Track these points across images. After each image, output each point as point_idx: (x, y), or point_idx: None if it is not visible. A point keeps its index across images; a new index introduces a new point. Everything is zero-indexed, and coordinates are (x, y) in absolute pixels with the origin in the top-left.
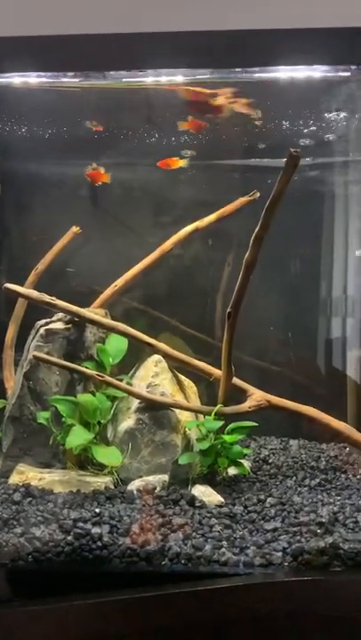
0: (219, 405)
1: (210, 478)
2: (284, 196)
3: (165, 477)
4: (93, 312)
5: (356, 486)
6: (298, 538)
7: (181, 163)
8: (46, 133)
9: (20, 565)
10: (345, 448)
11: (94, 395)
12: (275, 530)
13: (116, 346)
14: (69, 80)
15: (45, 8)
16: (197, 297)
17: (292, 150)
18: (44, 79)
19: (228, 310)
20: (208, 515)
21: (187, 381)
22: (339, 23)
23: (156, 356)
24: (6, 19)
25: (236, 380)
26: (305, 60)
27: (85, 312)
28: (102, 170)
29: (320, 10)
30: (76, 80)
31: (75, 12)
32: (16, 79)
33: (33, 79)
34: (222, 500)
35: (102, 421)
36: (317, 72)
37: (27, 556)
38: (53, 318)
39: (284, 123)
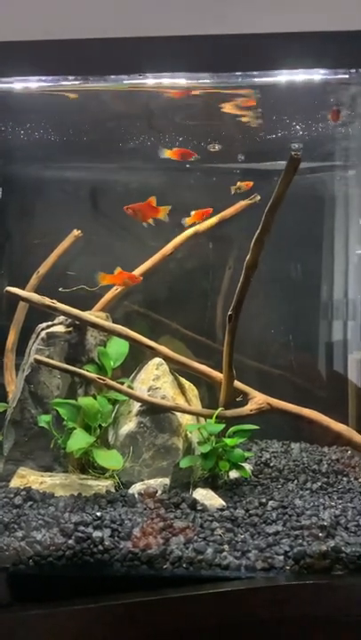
0: (220, 408)
1: (211, 482)
2: (284, 198)
3: (167, 481)
4: (94, 315)
5: (358, 489)
6: (300, 541)
7: None
8: (46, 137)
9: (21, 569)
10: (347, 451)
11: (95, 398)
12: (276, 533)
13: (117, 349)
14: (71, 83)
15: (45, 13)
16: (198, 300)
17: (292, 152)
18: (45, 83)
19: (229, 313)
20: (210, 518)
21: (188, 384)
22: (338, 27)
23: (157, 359)
24: (7, 24)
25: (237, 383)
26: (304, 63)
27: (86, 315)
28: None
29: (319, 13)
30: (77, 83)
31: (74, 16)
32: (17, 84)
33: (33, 83)
34: (224, 503)
35: (103, 425)
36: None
37: (28, 560)
38: (55, 321)
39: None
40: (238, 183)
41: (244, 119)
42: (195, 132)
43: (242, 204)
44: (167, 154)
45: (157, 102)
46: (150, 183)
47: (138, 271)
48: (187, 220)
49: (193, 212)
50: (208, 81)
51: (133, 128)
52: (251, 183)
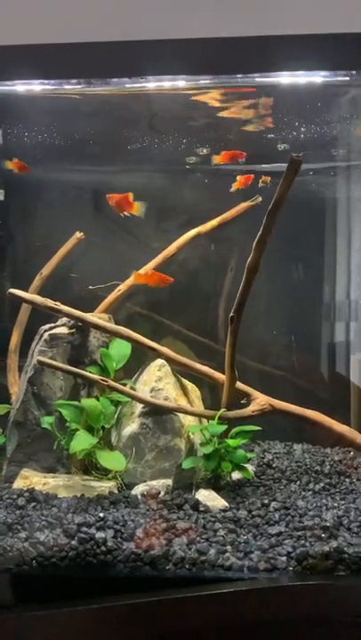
0: (222, 410)
1: (214, 482)
2: (285, 200)
3: (169, 482)
4: (97, 317)
5: None
6: (302, 542)
7: None
8: (49, 139)
9: (24, 570)
10: (349, 452)
11: (98, 399)
12: (279, 534)
13: (120, 350)
14: (73, 87)
15: (48, 17)
16: (200, 301)
17: (293, 155)
18: (47, 86)
19: (231, 314)
20: (212, 519)
21: (190, 385)
22: (340, 29)
23: (160, 361)
24: (10, 27)
25: (239, 385)
26: (305, 65)
27: (89, 317)
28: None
29: (320, 16)
30: (79, 87)
31: (76, 20)
32: (19, 87)
33: (36, 86)
34: (226, 504)
35: (106, 426)
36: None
37: (31, 561)
38: (57, 323)
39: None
40: (263, 177)
41: (250, 124)
42: (199, 135)
43: (243, 205)
44: (216, 160)
45: (161, 104)
46: (153, 185)
47: (141, 272)
48: (234, 186)
49: (238, 178)
50: (208, 82)
51: (136, 131)
52: (269, 177)
